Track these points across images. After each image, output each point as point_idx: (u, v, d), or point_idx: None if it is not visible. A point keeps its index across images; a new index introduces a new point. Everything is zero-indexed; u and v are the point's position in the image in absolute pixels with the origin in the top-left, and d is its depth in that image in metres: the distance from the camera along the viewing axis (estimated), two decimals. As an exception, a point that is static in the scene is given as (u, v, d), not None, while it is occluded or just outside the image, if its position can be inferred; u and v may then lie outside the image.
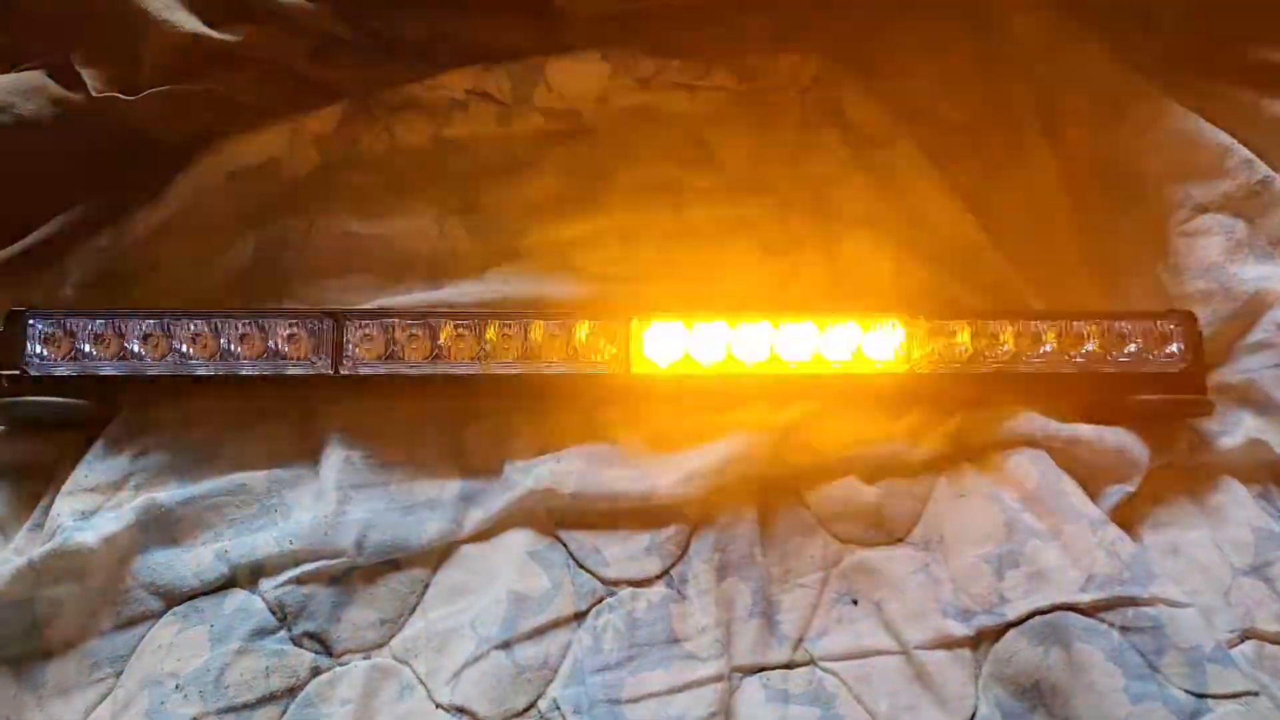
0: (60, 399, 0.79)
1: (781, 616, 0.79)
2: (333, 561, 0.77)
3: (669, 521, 0.81)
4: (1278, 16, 0.95)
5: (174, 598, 0.76)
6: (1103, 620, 0.75)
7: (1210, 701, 0.72)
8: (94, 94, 0.83)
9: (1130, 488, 0.84)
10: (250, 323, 0.81)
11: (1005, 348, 0.85)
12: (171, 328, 0.80)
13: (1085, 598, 0.76)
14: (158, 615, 0.75)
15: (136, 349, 0.80)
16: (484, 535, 0.81)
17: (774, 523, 0.83)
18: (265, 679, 0.73)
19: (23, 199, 0.87)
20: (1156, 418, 0.86)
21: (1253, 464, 0.87)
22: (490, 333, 0.82)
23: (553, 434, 0.84)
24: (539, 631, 0.76)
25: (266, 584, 0.76)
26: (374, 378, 0.81)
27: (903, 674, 0.77)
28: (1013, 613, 0.77)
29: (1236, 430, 0.87)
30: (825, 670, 0.77)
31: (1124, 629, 0.75)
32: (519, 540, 0.80)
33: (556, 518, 0.81)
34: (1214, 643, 0.74)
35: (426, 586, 0.79)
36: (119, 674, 0.74)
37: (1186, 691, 0.72)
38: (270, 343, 0.81)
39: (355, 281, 0.90)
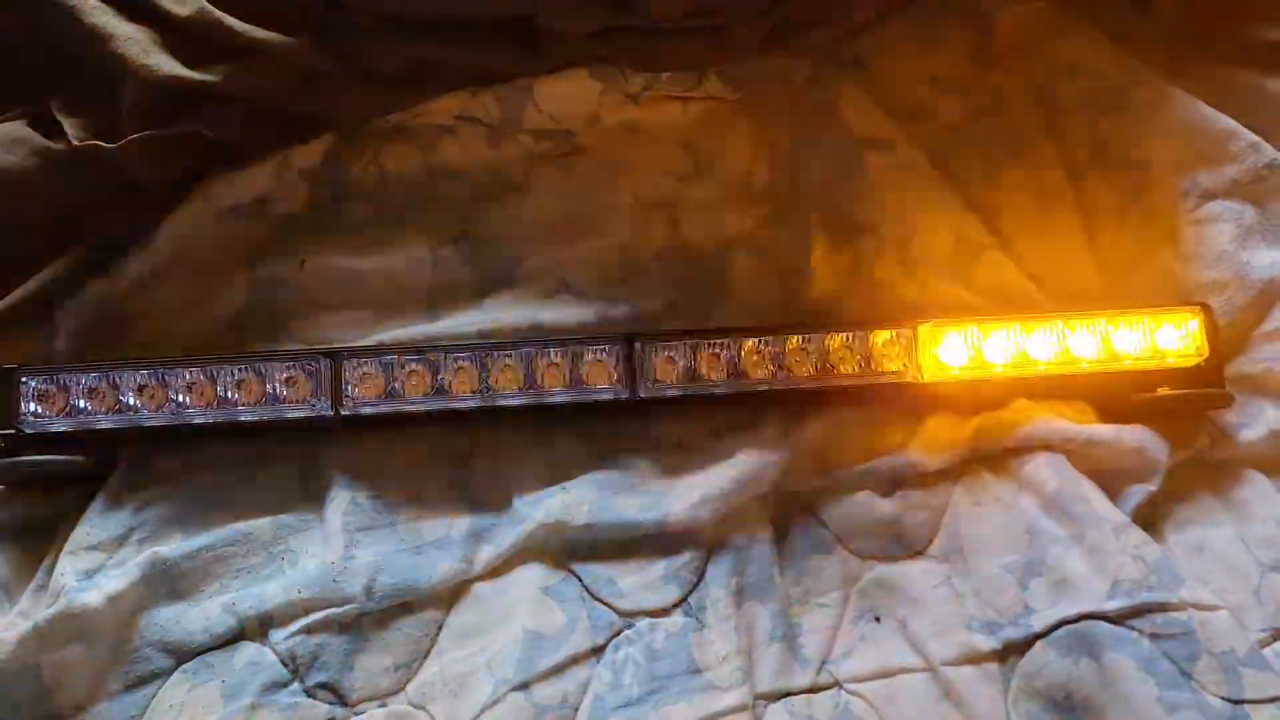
0: (57, 457, 0.78)
1: (803, 639, 0.78)
2: (343, 609, 0.76)
3: (684, 547, 0.80)
4: (1275, -5, 0.94)
5: (183, 654, 0.74)
6: (1132, 628, 0.74)
7: (1247, 707, 0.70)
8: (75, 143, 0.82)
9: (1151, 487, 0.82)
10: (247, 368, 0.80)
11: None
12: (167, 378, 0.79)
13: (1112, 605, 0.74)
14: (168, 673, 0.74)
15: (132, 401, 0.79)
16: (496, 572, 0.79)
17: (790, 542, 0.82)
18: (280, 735, 0.72)
19: (9, 252, 0.85)
20: (1175, 413, 0.85)
21: (1276, 456, 0.85)
22: (493, 367, 0.81)
23: (560, 463, 0.83)
24: (557, 670, 0.74)
25: (277, 635, 0.75)
26: (375, 416, 0.80)
27: (930, 693, 0.75)
28: (1039, 624, 0.75)
29: (1257, 422, 0.85)
30: (851, 693, 0.75)
31: (1154, 636, 0.73)
32: (531, 575, 0.78)
33: (569, 550, 0.80)
34: (1247, 645, 0.73)
35: (440, 628, 0.77)
36: (131, 737, 0.73)
37: (1223, 698, 0.71)
38: (268, 387, 0.80)
39: (351, 317, 0.88)
